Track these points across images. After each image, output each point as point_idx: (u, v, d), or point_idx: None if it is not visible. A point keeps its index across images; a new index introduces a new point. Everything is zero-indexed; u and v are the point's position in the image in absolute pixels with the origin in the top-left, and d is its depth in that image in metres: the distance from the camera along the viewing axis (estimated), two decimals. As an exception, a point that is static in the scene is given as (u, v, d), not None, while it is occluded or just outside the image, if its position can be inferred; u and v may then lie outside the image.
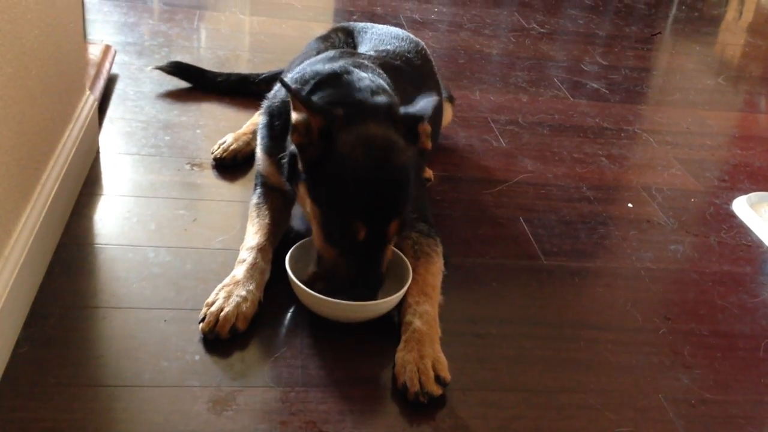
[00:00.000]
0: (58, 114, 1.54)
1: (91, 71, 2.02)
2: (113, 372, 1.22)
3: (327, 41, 1.94)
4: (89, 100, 1.78)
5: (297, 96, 1.32)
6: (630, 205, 2.00)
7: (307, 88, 1.45)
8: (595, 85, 2.83)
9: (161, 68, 2.27)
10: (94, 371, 1.22)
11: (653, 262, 1.75)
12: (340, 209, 1.31)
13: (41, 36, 1.38)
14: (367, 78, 1.45)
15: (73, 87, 1.66)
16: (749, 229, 1.95)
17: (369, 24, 2.10)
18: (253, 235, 1.49)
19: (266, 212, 1.55)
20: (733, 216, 2.02)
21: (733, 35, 4.09)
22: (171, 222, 1.63)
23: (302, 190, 1.39)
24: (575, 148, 2.28)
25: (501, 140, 2.26)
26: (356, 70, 1.47)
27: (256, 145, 1.68)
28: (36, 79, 1.36)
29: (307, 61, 1.66)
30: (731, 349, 1.50)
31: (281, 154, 1.48)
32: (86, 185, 1.71)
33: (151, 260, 1.50)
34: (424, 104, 1.42)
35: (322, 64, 1.56)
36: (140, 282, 1.43)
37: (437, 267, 1.49)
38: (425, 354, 1.30)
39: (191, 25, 2.82)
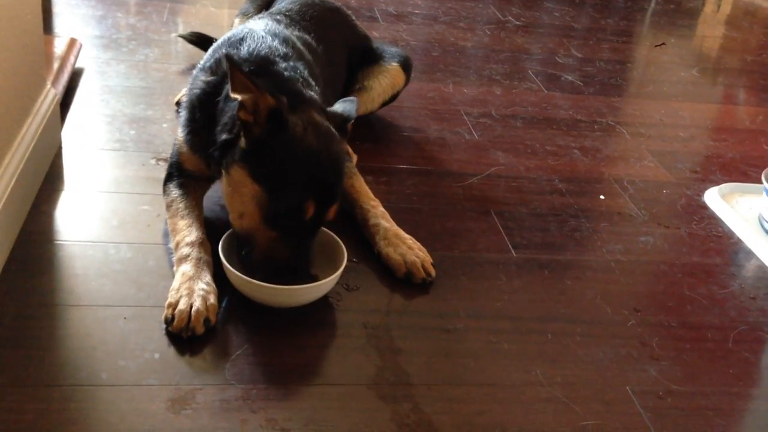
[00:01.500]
0: (14, 109, 1.50)
1: (55, 65, 1.99)
2: (68, 372, 1.19)
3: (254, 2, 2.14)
4: (50, 94, 1.74)
5: (248, 77, 1.30)
6: (602, 197, 1.99)
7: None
8: (569, 78, 2.83)
9: (183, 36, 2.43)
10: (49, 371, 1.19)
11: (623, 254, 1.74)
12: (292, 188, 1.33)
13: (-6, 28, 1.35)
14: (290, 69, 1.49)
15: (31, 81, 1.62)
16: (720, 220, 1.95)
17: None
18: (188, 228, 1.45)
19: (193, 203, 1.53)
20: (704, 207, 2.01)
21: (710, 28, 4.10)
22: (134, 218, 1.60)
23: (239, 173, 1.35)
24: (548, 141, 2.26)
25: (474, 133, 2.24)
26: (278, 60, 1.50)
27: (177, 140, 1.61)
28: (-11, 71, 1.33)
29: (224, 42, 1.60)
30: (700, 341, 1.49)
31: (211, 149, 1.44)
32: (47, 181, 1.67)
33: (112, 257, 1.47)
34: (348, 107, 1.51)
35: (239, 56, 1.52)
36: (100, 279, 1.40)
37: (363, 181, 1.69)
38: (411, 246, 1.54)
39: (161, 18, 2.78)
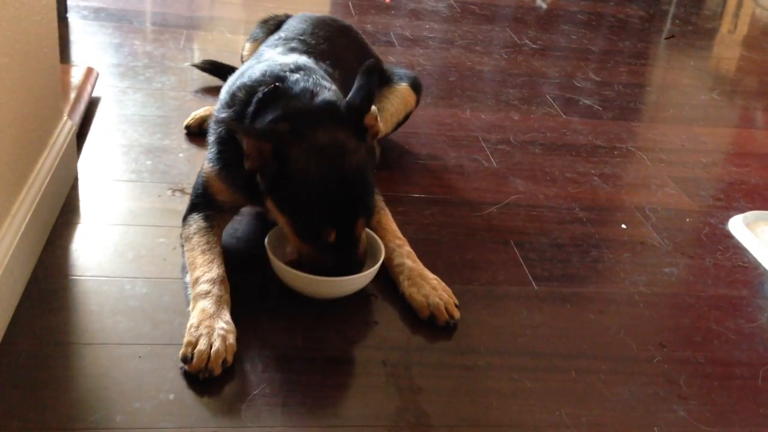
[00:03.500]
0: (31, 142, 1.49)
1: (72, 95, 1.98)
2: (83, 414, 1.17)
3: (264, 26, 2.14)
4: (66, 125, 1.73)
5: (240, 129, 1.40)
6: (623, 226, 1.95)
7: (251, 109, 1.48)
8: (588, 102, 2.80)
9: (197, 65, 2.46)
10: (63, 413, 1.16)
11: (647, 286, 1.70)
12: (309, 218, 1.39)
13: (12, 63, 1.34)
14: (301, 79, 1.49)
15: (48, 113, 1.61)
16: (746, 249, 1.91)
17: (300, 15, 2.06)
18: (208, 264, 1.44)
19: (215, 238, 1.52)
20: (729, 236, 1.97)
21: (727, 49, 4.06)
22: (150, 251, 1.58)
23: (269, 203, 1.44)
24: (567, 168, 2.23)
25: (492, 160, 2.22)
26: (288, 74, 1.51)
27: (205, 174, 1.60)
28: (6, 107, 1.32)
29: (240, 76, 1.62)
30: (728, 378, 1.45)
31: (244, 176, 1.46)
32: (63, 213, 1.66)
33: (127, 292, 1.45)
34: (362, 92, 1.45)
35: (251, 77, 1.55)
36: (115, 316, 1.38)
37: (391, 217, 1.67)
38: (435, 286, 1.50)
39: (177, 45, 2.78)
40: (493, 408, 1.30)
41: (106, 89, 2.31)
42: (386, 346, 1.41)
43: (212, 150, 1.57)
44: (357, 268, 1.45)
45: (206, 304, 1.35)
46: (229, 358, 1.29)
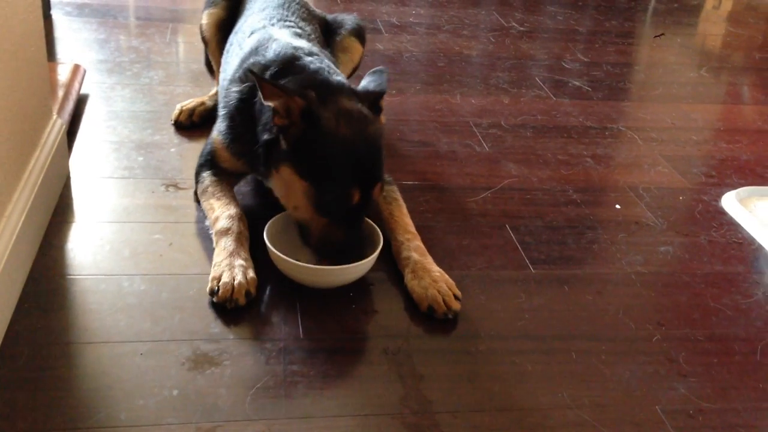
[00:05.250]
0: (22, 142, 1.48)
1: (60, 93, 1.97)
2: (87, 413, 1.17)
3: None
4: (56, 124, 1.72)
5: (274, 84, 1.41)
6: (617, 206, 1.96)
7: (272, 71, 1.56)
8: (577, 83, 2.80)
9: None
10: (67, 413, 1.16)
11: (643, 266, 1.71)
12: (336, 179, 1.41)
13: (0, 63, 1.33)
14: (316, 61, 1.57)
15: (38, 112, 1.60)
16: (739, 225, 1.92)
17: None
18: (226, 205, 1.56)
19: (228, 188, 1.65)
20: (722, 213, 1.98)
21: (713, 25, 4.07)
22: (146, 248, 1.58)
23: (286, 171, 1.45)
24: (560, 150, 2.24)
25: (484, 145, 2.22)
26: (303, 56, 1.58)
27: (214, 144, 1.69)
28: (-5, 108, 1.31)
29: (252, 53, 1.67)
30: (727, 354, 1.46)
31: (254, 147, 1.54)
32: (57, 213, 1.65)
33: (126, 290, 1.44)
34: (378, 81, 1.55)
35: (265, 56, 1.62)
36: (114, 314, 1.38)
37: (406, 210, 1.68)
38: (436, 278, 1.49)
39: (164, 39, 2.76)
40: (496, 392, 1.31)
41: (93, 86, 2.29)
42: (387, 335, 1.42)
43: (222, 123, 1.65)
44: (362, 244, 1.49)
45: (227, 242, 1.47)
46: (252, 290, 1.41)
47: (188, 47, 2.75)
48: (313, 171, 1.43)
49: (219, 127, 1.68)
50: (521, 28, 3.41)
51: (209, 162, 1.69)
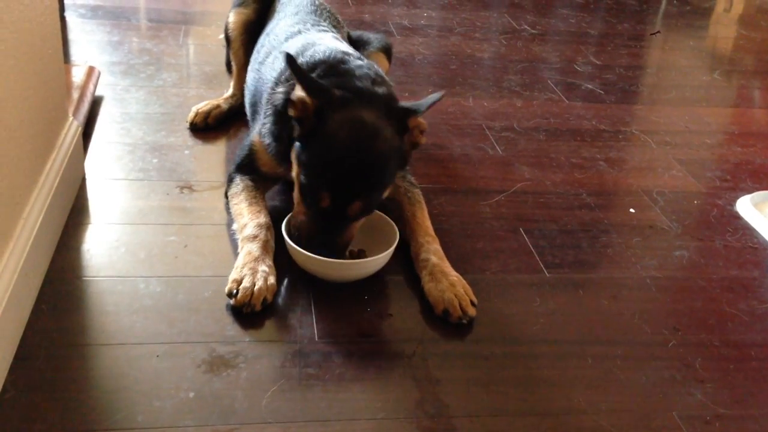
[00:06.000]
0: (39, 145, 1.49)
1: (75, 95, 1.98)
2: (104, 415, 1.17)
3: None
4: (72, 126, 1.73)
5: (299, 77, 1.43)
6: (632, 210, 1.96)
7: (318, 72, 1.58)
8: (589, 86, 2.79)
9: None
10: (84, 415, 1.16)
11: (659, 270, 1.70)
12: (314, 177, 1.45)
13: (18, 65, 1.33)
14: (364, 66, 1.59)
15: (54, 115, 1.61)
16: (755, 230, 1.91)
17: None
18: (257, 213, 1.58)
19: (261, 195, 1.66)
20: (737, 217, 1.97)
21: (724, 28, 4.05)
22: (161, 250, 1.58)
23: (293, 152, 1.52)
24: (573, 153, 2.23)
25: (497, 148, 2.21)
26: (352, 60, 1.61)
27: (254, 145, 1.70)
28: (14, 109, 1.31)
29: (300, 54, 1.69)
30: (744, 360, 1.45)
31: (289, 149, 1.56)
32: (72, 215, 1.65)
33: (142, 291, 1.45)
34: (423, 102, 1.52)
35: (313, 57, 1.64)
36: (130, 315, 1.38)
37: (427, 213, 1.69)
38: (453, 282, 1.49)
39: (177, 41, 2.77)
40: (511, 397, 1.30)
41: (107, 88, 2.30)
42: (402, 338, 1.42)
43: (266, 125, 1.65)
44: (332, 253, 1.47)
45: (252, 248, 1.48)
46: (269, 297, 1.42)
47: (200, 49, 2.76)
48: (304, 160, 1.47)
49: (261, 129, 1.67)
50: (533, 31, 3.41)
51: (246, 165, 1.70)
